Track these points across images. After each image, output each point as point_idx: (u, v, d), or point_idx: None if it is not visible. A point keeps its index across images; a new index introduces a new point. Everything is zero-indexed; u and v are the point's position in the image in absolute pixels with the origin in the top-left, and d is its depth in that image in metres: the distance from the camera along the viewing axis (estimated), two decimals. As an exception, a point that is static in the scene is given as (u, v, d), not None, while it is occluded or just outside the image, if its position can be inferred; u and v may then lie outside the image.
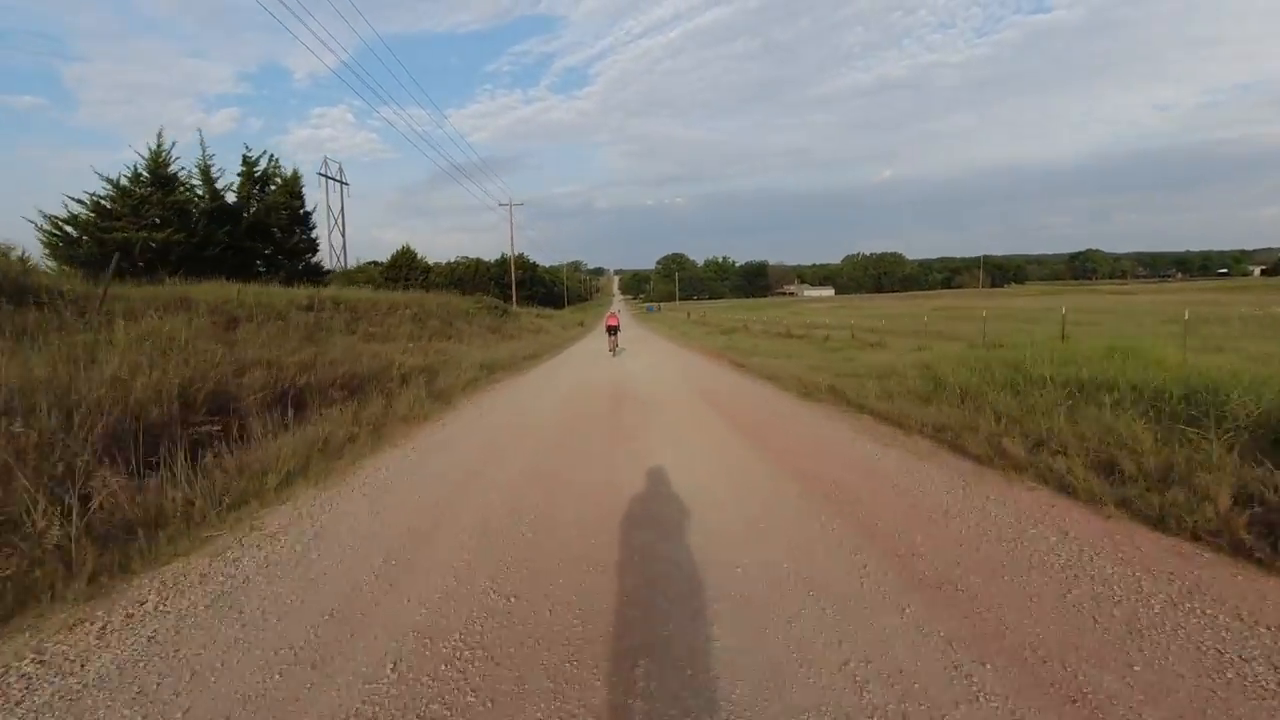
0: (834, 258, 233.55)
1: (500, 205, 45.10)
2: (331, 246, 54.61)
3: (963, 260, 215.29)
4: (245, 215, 18.84)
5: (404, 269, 46.81)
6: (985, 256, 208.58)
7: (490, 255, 78.13)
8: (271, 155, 19.70)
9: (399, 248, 47.70)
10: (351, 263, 53.30)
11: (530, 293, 76.12)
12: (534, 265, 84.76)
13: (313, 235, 21.85)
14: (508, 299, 68.00)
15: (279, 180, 20.22)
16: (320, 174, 56.67)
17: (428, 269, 48.07)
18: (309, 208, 21.47)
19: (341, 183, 60.21)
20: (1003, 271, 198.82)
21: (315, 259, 22.29)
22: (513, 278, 46.23)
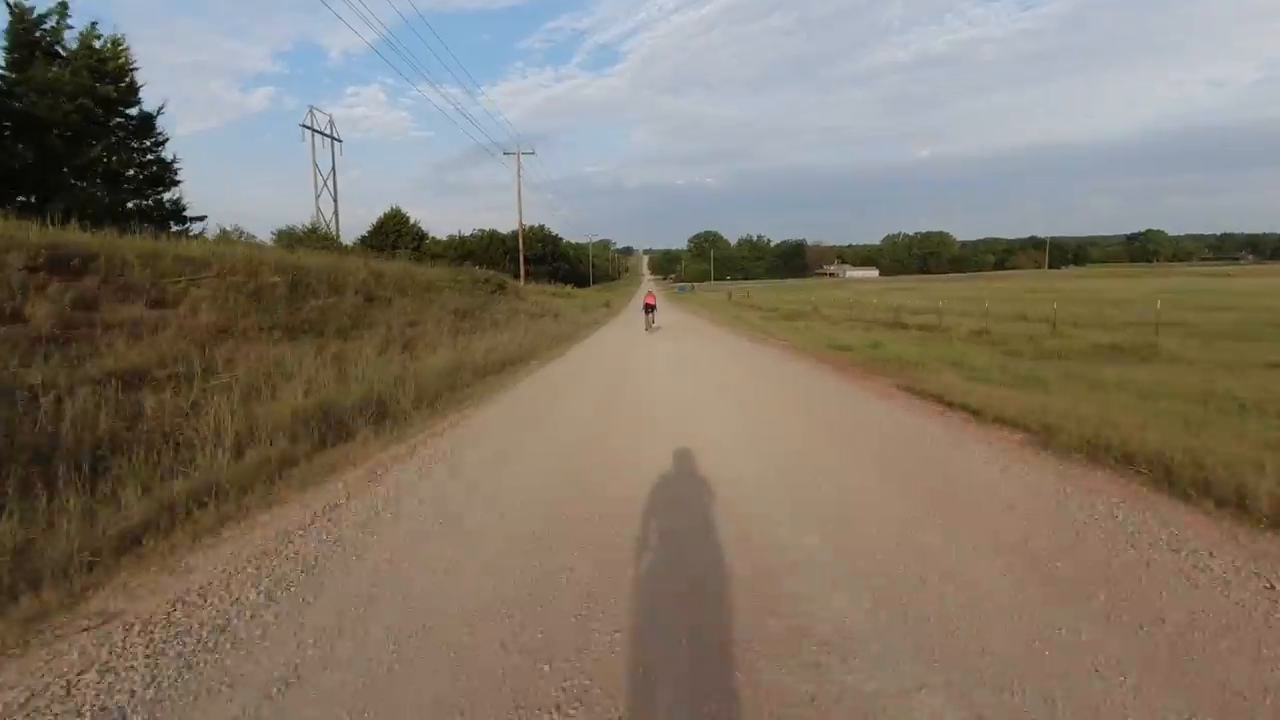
0: (870, 238, 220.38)
1: (506, 154, 36.17)
2: (320, 212, 46.62)
3: (1009, 241, 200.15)
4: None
5: (391, 235, 38.59)
6: (1033, 237, 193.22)
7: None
8: (64, 3, 11.26)
9: (386, 211, 39.41)
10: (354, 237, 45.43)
11: (552, 269, 67.55)
12: (556, 238, 75.78)
13: (164, 155, 13.32)
14: (526, 275, 59.74)
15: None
16: (304, 126, 48.03)
17: (421, 236, 39.65)
18: (151, 108, 12.92)
19: (333, 138, 51.64)
20: (1062, 252, 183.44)
21: (173, 196, 13.77)
22: (520, 247, 37.42)
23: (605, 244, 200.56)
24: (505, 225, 76.02)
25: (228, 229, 17.92)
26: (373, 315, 11.41)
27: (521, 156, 39.00)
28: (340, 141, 51.19)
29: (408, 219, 39.69)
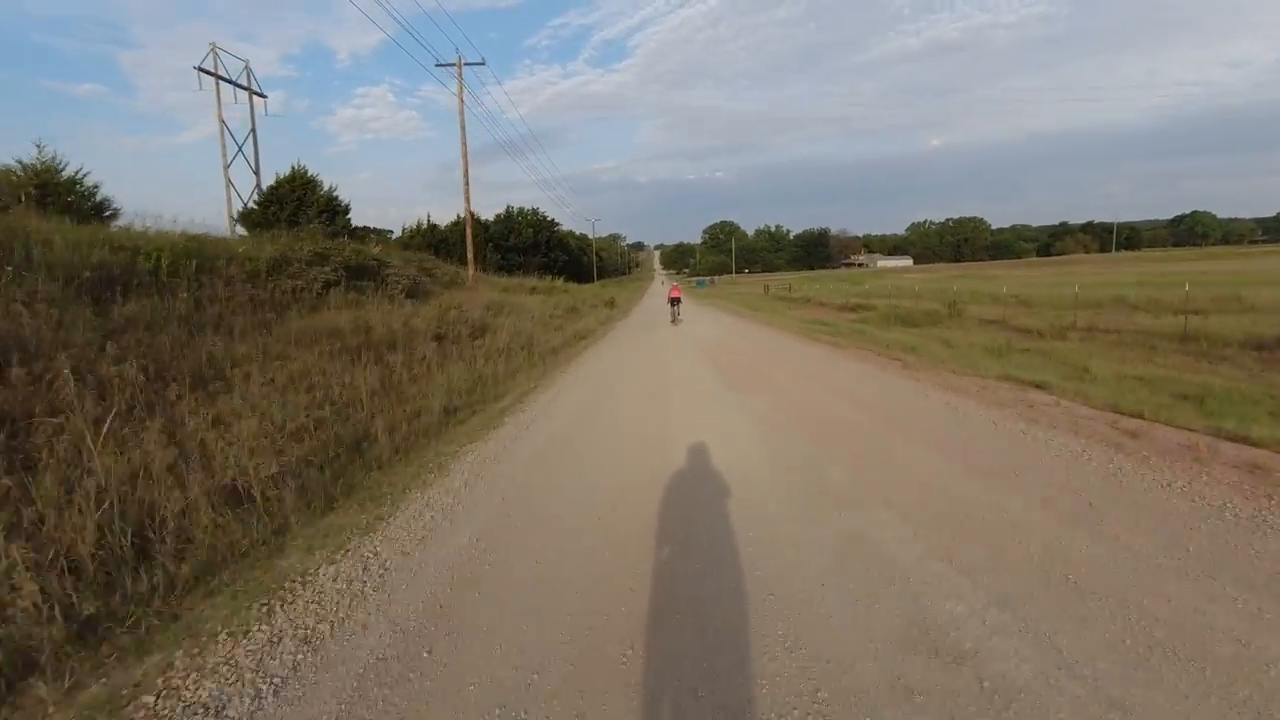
0: (889, 228, 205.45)
1: (440, 66, 22.50)
2: (231, 185, 32.71)
3: (1038, 229, 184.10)
4: None
5: (289, 206, 25.51)
6: (1064, 223, 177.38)
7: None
8: None
9: (287, 172, 26.40)
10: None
11: (547, 259, 53.93)
12: (552, 224, 61.93)
13: None
14: (511, 267, 46.23)
15: None
16: (202, 70, 33.11)
17: (336, 209, 26.40)
18: None
19: (252, 91, 36.97)
20: (1113, 236, 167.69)
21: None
22: (468, 223, 23.99)
23: (615, 238, 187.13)
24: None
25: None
26: None
27: (537, 158, 25.49)
28: (265, 96, 37.55)
29: (316, 183, 26.48)
